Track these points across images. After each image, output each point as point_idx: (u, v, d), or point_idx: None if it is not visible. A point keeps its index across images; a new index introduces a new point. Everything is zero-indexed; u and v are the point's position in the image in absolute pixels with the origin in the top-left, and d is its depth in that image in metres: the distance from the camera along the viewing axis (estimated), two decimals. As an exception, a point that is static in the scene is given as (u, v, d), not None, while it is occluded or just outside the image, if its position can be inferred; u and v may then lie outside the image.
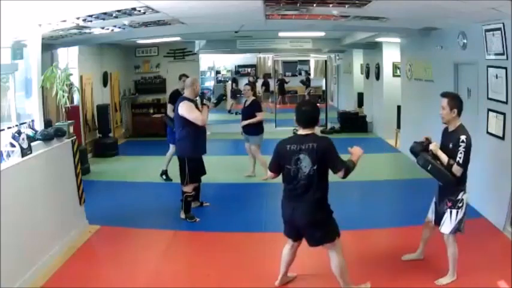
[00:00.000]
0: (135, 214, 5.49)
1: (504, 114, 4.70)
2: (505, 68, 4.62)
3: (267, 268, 3.87)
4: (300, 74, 18.92)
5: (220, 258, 4.27)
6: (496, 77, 4.81)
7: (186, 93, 5.18)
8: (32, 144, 3.91)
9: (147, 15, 4.78)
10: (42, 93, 4.90)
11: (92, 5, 4.05)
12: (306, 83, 18.10)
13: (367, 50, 11.29)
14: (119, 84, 10.67)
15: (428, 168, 3.51)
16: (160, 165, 6.99)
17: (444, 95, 3.59)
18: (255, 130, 6.80)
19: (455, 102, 3.53)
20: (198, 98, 5.30)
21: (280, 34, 9.98)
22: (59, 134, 4.43)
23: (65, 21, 4.78)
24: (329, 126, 11.80)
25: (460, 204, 3.52)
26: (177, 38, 9.13)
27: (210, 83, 18.16)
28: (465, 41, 5.58)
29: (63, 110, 4.58)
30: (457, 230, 3.55)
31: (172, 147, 6.72)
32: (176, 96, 6.44)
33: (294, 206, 3.26)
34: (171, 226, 5.09)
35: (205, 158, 5.41)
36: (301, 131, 3.28)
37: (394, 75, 10.00)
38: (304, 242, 3.44)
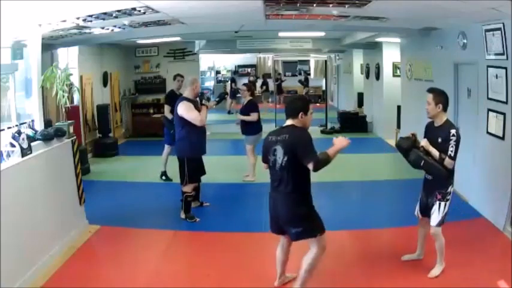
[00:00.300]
0: (135, 214, 5.48)
1: (504, 114, 4.70)
2: (505, 68, 4.62)
3: (267, 268, 3.87)
4: (300, 74, 18.92)
5: (220, 258, 4.27)
6: (496, 77, 4.81)
7: (186, 93, 5.18)
8: (32, 144, 3.91)
9: (147, 15, 4.77)
10: (42, 93, 4.90)
11: (92, 5, 4.05)
12: (304, 82, 18.07)
13: (367, 50, 11.29)
14: (119, 84, 10.67)
15: (422, 163, 3.55)
16: (160, 166, 6.99)
17: (430, 90, 3.71)
18: (249, 130, 6.81)
19: (441, 98, 3.63)
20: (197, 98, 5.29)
21: (280, 34, 9.97)
22: (59, 134, 4.43)
23: (65, 21, 4.77)
24: (329, 126, 11.79)
25: (449, 197, 3.64)
26: (177, 38, 9.12)
27: (210, 83, 18.16)
28: (465, 41, 5.58)
29: (63, 110, 4.58)
30: (442, 222, 3.65)
31: (167, 148, 6.76)
32: (172, 97, 6.47)
33: (274, 197, 3.29)
34: (171, 226, 5.08)
35: (205, 158, 5.40)
36: (285, 123, 3.29)
37: (394, 75, 10.00)
38: (303, 242, 3.43)
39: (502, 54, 4.63)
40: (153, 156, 8.02)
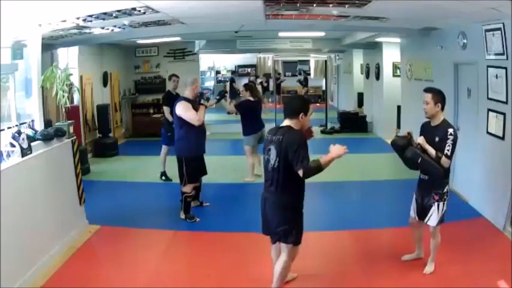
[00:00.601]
0: (135, 214, 5.48)
1: (504, 114, 4.70)
2: (505, 68, 4.62)
3: (267, 268, 3.85)
4: (301, 73, 18.91)
5: (220, 258, 4.27)
6: (496, 77, 4.81)
7: (186, 93, 5.18)
8: (32, 144, 3.91)
9: (147, 15, 4.77)
10: (42, 93, 4.90)
11: (92, 5, 4.05)
12: (303, 82, 18.06)
13: (367, 50, 11.28)
14: (119, 84, 10.67)
15: (419, 161, 3.54)
16: (159, 166, 7.00)
17: (428, 90, 3.71)
18: (244, 130, 6.85)
19: (439, 97, 3.63)
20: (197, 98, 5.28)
21: (280, 34, 9.97)
22: (59, 134, 4.43)
23: (65, 21, 4.77)
24: (329, 126, 11.79)
25: (446, 197, 3.65)
26: (177, 38, 9.12)
27: (210, 83, 18.15)
28: (465, 41, 5.58)
29: (63, 110, 4.58)
30: (442, 221, 3.67)
31: (164, 148, 6.78)
32: (169, 98, 6.49)
33: (265, 197, 3.26)
34: (171, 226, 5.08)
35: (205, 158, 5.40)
36: (283, 123, 3.24)
37: (394, 75, 9.99)
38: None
39: (502, 54, 4.63)
40: (153, 156, 8.02)
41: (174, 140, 5.32)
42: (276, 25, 6.52)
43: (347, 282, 3.78)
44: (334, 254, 4.36)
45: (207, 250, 4.50)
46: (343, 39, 10.88)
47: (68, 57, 7.69)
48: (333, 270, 3.98)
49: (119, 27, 5.76)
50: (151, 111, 11.22)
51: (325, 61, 14.70)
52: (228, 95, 15.57)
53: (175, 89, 6.81)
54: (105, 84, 9.78)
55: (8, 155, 3.59)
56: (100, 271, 4.10)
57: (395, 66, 9.93)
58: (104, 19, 4.85)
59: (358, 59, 12.94)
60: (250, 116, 6.80)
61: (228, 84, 17.70)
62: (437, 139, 3.55)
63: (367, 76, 11.73)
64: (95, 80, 9.18)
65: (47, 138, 4.22)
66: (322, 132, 11.41)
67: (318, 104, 15.56)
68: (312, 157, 3.05)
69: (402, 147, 3.64)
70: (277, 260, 3.48)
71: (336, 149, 3.07)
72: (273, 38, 11.10)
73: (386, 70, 10.18)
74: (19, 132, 3.78)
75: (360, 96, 12.76)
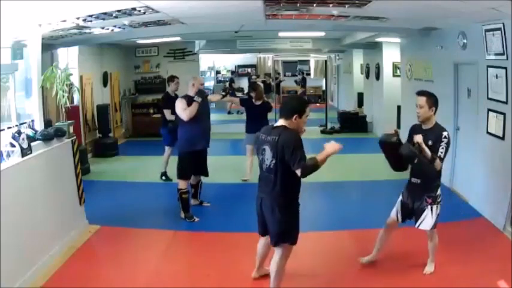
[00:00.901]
0: (135, 214, 5.48)
1: (504, 114, 4.70)
2: (505, 68, 4.62)
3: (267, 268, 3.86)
4: (301, 73, 18.90)
5: (220, 258, 4.27)
6: (496, 77, 4.81)
7: (188, 90, 5.23)
8: (32, 144, 3.91)
9: (147, 15, 4.77)
10: (42, 93, 4.90)
11: (92, 5, 4.05)
12: (301, 82, 18.03)
13: (367, 50, 11.28)
14: (119, 84, 10.66)
15: (415, 161, 3.53)
16: (160, 166, 6.99)
17: (421, 93, 3.64)
18: (247, 127, 6.91)
19: (433, 100, 3.59)
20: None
21: (280, 34, 9.97)
22: (59, 134, 4.43)
23: (65, 21, 4.77)
24: (329, 126, 11.79)
25: (439, 200, 3.64)
26: (177, 38, 9.12)
27: (210, 83, 18.15)
28: (465, 41, 5.58)
29: (63, 110, 4.58)
30: (435, 223, 3.65)
31: (167, 149, 6.76)
32: (168, 99, 6.50)
33: (262, 197, 3.24)
34: (171, 226, 5.09)
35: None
36: (277, 122, 3.21)
37: (394, 75, 9.99)
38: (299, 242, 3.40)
39: (502, 54, 4.63)
40: (153, 156, 8.03)
41: (176, 140, 5.40)
42: (276, 25, 6.52)
43: (346, 282, 3.78)
44: (333, 254, 4.36)
45: (207, 250, 4.50)
46: (343, 39, 10.87)
47: (68, 57, 7.68)
48: (332, 270, 3.98)
49: (119, 27, 5.76)
50: (151, 111, 11.22)
51: (325, 61, 14.70)
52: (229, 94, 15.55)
53: (176, 90, 6.79)
54: (105, 84, 9.78)
55: (8, 155, 3.59)
56: (100, 271, 4.10)
57: (395, 66, 9.93)
58: (104, 19, 4.85)
59: (358, 59, 12.94)
60: (253, 114, 6.83)
61: (227, 84, 17.72)
62: (430, 142, 3.50)
63: (367, 76, 11.73)
64: (95, 80, 9.18)
65: (47, 138, 4.22)
66: (322, 132, 11.41)
67: (318, 104, 15.55)
68: (311, 156, 3.06)
69: (388, 144, 3.60)
70: (262, 251, 3.47)
71: (331, 146, 3.09)
72: (273, 38, 11.10)
73: (386, 70, 10.18)
74: (19, 132, 3.78)
75: (360, 96, 12.75)
